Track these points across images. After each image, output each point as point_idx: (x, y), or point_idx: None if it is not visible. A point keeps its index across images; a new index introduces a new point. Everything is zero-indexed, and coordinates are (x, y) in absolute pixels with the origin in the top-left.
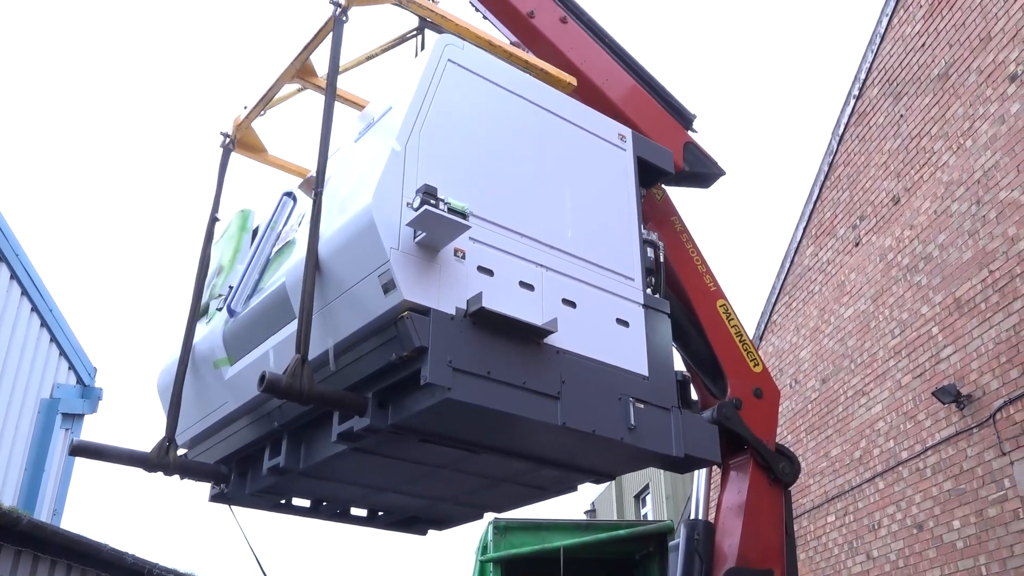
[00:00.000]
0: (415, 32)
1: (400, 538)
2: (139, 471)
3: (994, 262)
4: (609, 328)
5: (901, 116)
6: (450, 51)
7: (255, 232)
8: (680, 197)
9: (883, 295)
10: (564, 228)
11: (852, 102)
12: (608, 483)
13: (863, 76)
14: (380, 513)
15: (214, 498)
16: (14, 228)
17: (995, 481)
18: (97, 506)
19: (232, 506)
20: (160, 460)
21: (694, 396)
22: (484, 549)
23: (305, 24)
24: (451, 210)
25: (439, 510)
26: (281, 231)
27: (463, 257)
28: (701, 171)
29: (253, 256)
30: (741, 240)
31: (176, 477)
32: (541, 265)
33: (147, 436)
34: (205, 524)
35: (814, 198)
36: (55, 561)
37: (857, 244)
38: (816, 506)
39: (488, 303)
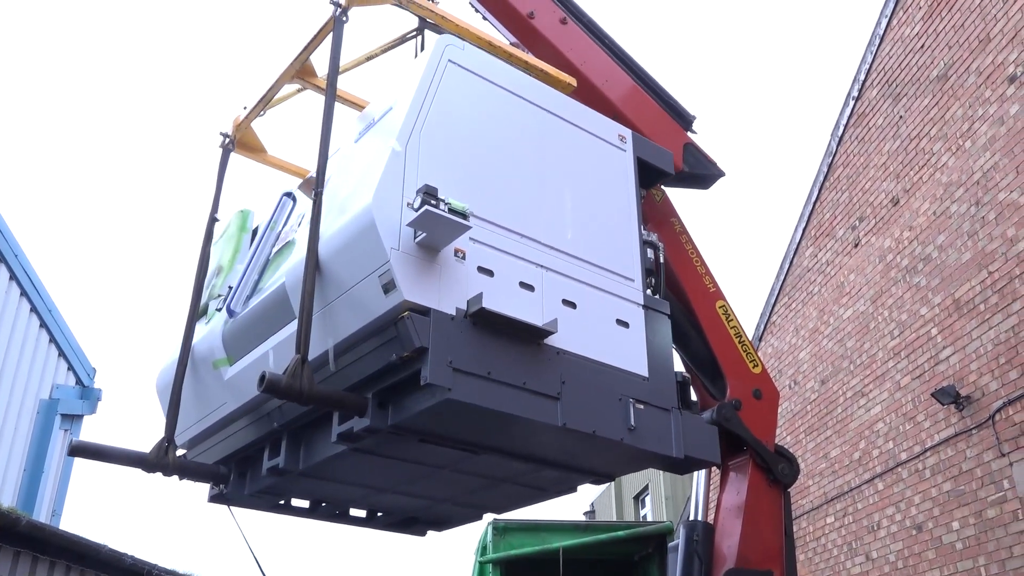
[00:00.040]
0: (415, 33)
1: (399, 539)
2: (138, 471)
3: (993, 263)
4: (609, 329)
5: (900, 117)
6: (451, 51)
7: (255, 232)
8: (679, 198)
9: (882, 296)
10: (564, 229)
11: (851, 103)
12: (607, 484)
13: (862, 77)
14: (379, 514)
15: (213, 499)
16: (13, 229)
17: (994, 482)
18: (96, 507)
19: (231, 506)
20: (159, 460)
21: (694, 397)
22: (483, 550)
23: (305, 24)
24: (452, 210)
25: (438, 511)
26: (281, 231)
27: (463, 257)
28: (701, 172)
29: (252, 256)
30: (740, 241)
31: (175, 478)
32: (541, 266)
33: (146, 437)
34: (204, 525)
35: (813, 199)
36: (54, 562)
37: (856, 245)
38: (815, 507)
39: (488, 303)
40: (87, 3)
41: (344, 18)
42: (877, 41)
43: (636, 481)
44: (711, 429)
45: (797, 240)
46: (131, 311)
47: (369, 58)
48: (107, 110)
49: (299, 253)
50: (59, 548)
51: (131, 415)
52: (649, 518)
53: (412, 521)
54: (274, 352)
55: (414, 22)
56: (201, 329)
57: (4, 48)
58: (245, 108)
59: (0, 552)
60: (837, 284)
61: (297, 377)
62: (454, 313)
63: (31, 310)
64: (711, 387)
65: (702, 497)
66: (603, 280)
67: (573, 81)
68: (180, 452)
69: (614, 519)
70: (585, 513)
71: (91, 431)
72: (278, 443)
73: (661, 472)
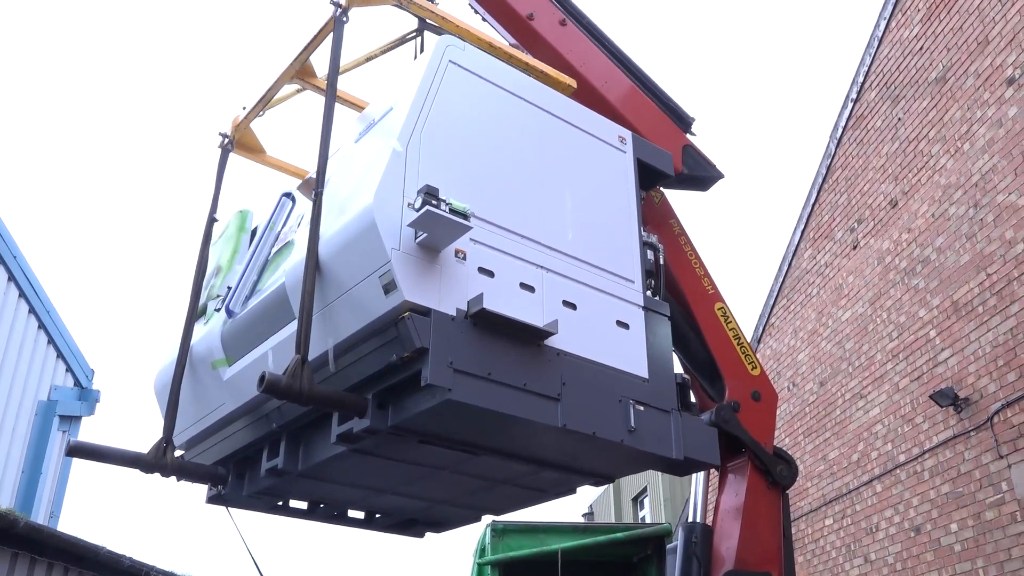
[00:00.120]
0: (414, 34)
1: (398, 540)
2: (136, 472)
3: (991, 265)
4: (609, 330)
5: (899, 119)
6: (451, 52)
7: (254, 233)
8: (678, 200)
9: (881, 298)
10: (564, 230)
11: (850, 105)
12: (606, 486)
13: (861, 79)
14: (378, 515)
15: (211, 499)
16: (12, 230)
17: (992, 484)
18: (94, 509)
19: (229, 507)
20: (157, 461)
21: (693, 399)
22: (482, 551)
23: (305, 24)
24: (453, 211)
25: (437, 512)
26: (280, 232)
27: (464, 258)
28: (700, 174)
29: (252, 257)
30: (739, 243)
31: (173, 478)
32: (542, 267)
33: (145, 439)
34: (203, 526)
35: (812, 201)
36: (52, 563)
37: (855, 247)
38: (814, 509)
39: (489, 304)
40: (87, 3)
41: (344, 18)
42: (876, 43)
43: (635, 483)
44: (711, 431)
45: (796, 242)
46: (130, 312)
47: (369, 59)
48: (106, 110)
49: (299, 253)
50: (57, 550)
51: (130, 417)
52: (648, 520)
53: (411, 523)
54: (273, 352)
55: (414, 23)
56: (200, 329)
57: (3, 48)
58: (244, 108)
59: None
60: (836, 286)
61: (297, 377)
62: (454, 314)
63: (29, 311)
64: (710, 389)
65: (701, 499)
66: (603, 281)
67: (573, 82)
68: (178, 453)
69: (613, 521)
70: (584, 515)
71: (89, 432)
72: (277, 444)
73: (660, 474)
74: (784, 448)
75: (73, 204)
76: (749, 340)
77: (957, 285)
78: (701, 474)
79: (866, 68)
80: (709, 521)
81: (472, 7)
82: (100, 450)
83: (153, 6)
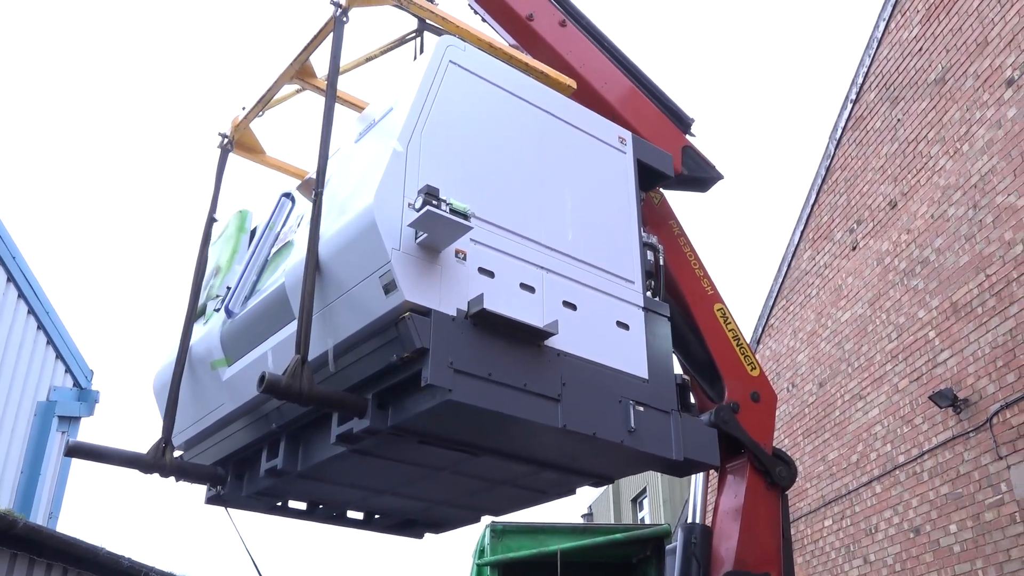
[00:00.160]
0: (414, 34)
1: (397, 541)
2: (135, 472)
3: (991, 266)
4: (609, 331)
5: (898, 120)
6: (452, 52)
7: (253, 233)
8: (678, 201)
9: (880, 299)
10: (565, 230)
11: (849, 106)
12: (606, 486)
13: (860, 80)
14: (377, 516)
15: (210, 500)
16: (11, 230)
17: (992, 485)
18: (94, 509)
19: (228, 508)
20: (156, 461)
21: (692, 400)
22: (481, 552)
23: (305, 25)
24: (453, 211)
25: (436, 513)
26: (279, 232)
27: (464, 258)
28: (699, 175)
29: (251, 257)
30: (739, 244)
31: (172, 479)
32: (542, 267)
33: (144, 439)
34: (202, 526)
35: (811, 202)
36: (51, 564)
37: (854, 248)
38: (813, 510)
39: (489, 305)
40: (87, 3)
41: (344, 19)
42: (875, 44)
43: (634, 484)
44: (710, 431)
45: (795, 243)
46: (129, 313)
47: (369, 59)
48: (106, 110)
49: (298, 254)
50: (56, 550)
51: (129, 417)
52: (647, 521)
53: (410, 523)
54: (273, 353)
55: (414, 23)
56: (199, 330)
57: (2, 48)
58: (244, 108)
59: None
60: (835, 287)
61: (297, 377)
62: (455, 314)
63: (28, 312)
64: (709, 390)
65: (700, 500)
66: (603, 282)
67: (573, 83)
68: (177, 453)
69: (612, 522)
70: (583, 516)
71: (89, 433)
72: (276, 444)
73: (659, 475)
74: (783, 449)
75: (72, 204)
76: (748, 341)
77: (956, 286)
78: (700, 475)
79: (865, 69)
80: (708, 522)
81: (472, 8)
82: (99, 450)
83: (153, 6)
